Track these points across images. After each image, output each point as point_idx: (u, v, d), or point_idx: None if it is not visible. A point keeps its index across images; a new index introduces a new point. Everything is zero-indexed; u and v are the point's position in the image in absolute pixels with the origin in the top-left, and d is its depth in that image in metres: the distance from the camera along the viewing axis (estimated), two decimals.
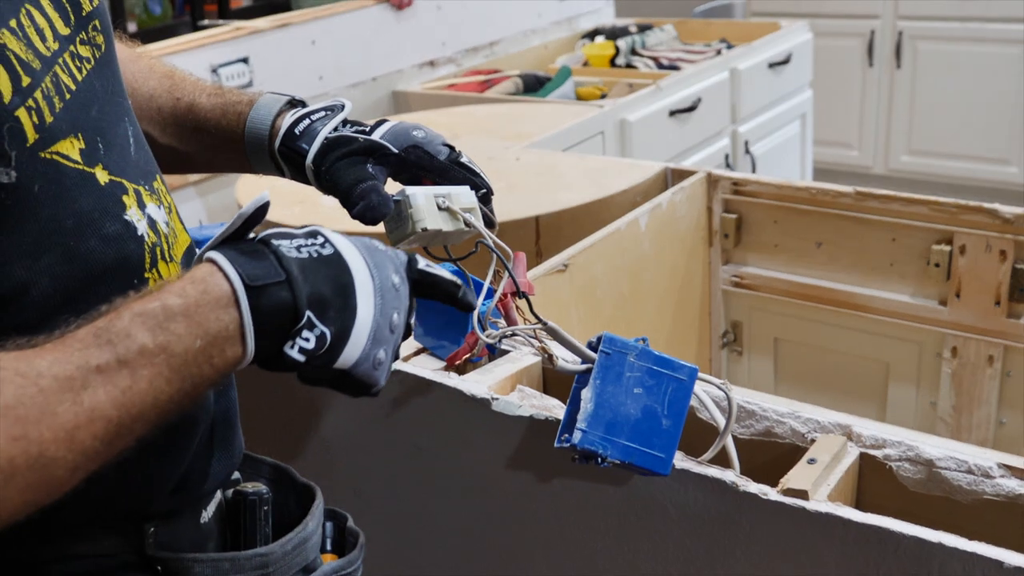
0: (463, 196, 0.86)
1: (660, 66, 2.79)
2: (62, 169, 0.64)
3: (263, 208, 0.65)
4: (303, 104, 0.92)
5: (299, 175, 0.91)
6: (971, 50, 3.68)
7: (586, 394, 0.83)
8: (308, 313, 0.63)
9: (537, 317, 0.84)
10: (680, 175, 1.71)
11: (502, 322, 0.89)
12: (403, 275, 0.71)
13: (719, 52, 2.80)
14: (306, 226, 0.69)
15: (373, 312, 0.66)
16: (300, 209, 1.71)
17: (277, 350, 0.63)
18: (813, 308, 1.67)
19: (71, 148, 0.65)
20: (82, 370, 0.55)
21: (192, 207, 2.16)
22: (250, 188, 1.85)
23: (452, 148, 0.91)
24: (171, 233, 0.74)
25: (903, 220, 1.54)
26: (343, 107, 0.91)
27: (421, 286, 0.73)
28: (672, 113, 2.38)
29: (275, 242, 0.65)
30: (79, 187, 0.65)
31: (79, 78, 0.67)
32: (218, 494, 0.81)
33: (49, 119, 0.63)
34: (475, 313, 0.84)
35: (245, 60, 2.20)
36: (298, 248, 0.65)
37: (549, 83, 2.61)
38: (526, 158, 1.85)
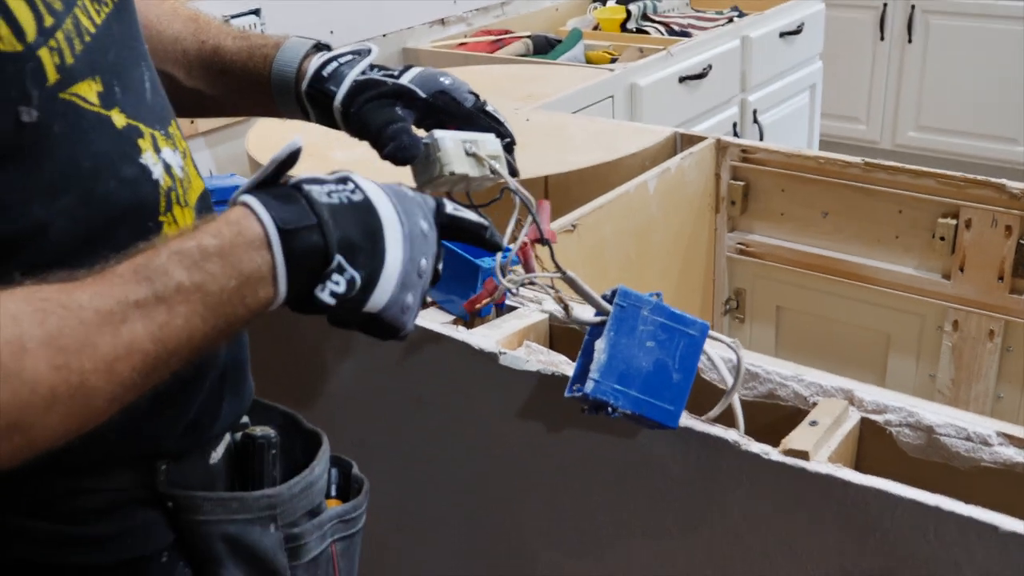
0: (489, 143, 0.87)
1: (671, 32, 2.78)
2: (80, 111, 0.64)
3: (295, 153, 0.66)
4: (328, 48, 0.92)
5: (325, 118, 0.91)
6: (984, 26, 3.66)
7: (600, 345, 0.85)
8: (338, 257, 0.64)
9: (557, 266, 0.86)
10: (689, 140, 1.71)
11: (520, 270, 0.90)
12: (431, 221, 0.72)
13: (731, 20, 2.79)
14: (336, 172, 0.70)
15: (402, 257, 0.68)
16: (310, 163, 1.71)
17: (308, 293, 0.65)
18: (817, 277, 1.68)
19: (89, 90, 0.65)
20: (121, 304, 0.57)
21: (201, 157, 2.16)
22: (260, 139, 1.85)
23: (477, 96, 0.91)
24: (185, 178, 0.74)
25: (910, 192, 1.55)
26: (370, 51, 0.91)
27: (449, 229, 0.75)
28: (682, 79, 2.38)
29: (307, 187, 0.66)
30: (96, 129, 0.66)
31: (98, 21, 0.67)
32: (227, 436, 0.82)
33: (70, 60, 0.63)
34: (496, 259, 0.86)
35: (256, 12, 2.19)
36: (329, 194, 0.66)
37: (560, 45, 2.60)
38: (536, 119, 1.85)
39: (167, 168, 0.71)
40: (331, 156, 1.74)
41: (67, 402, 0.54)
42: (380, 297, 0.67)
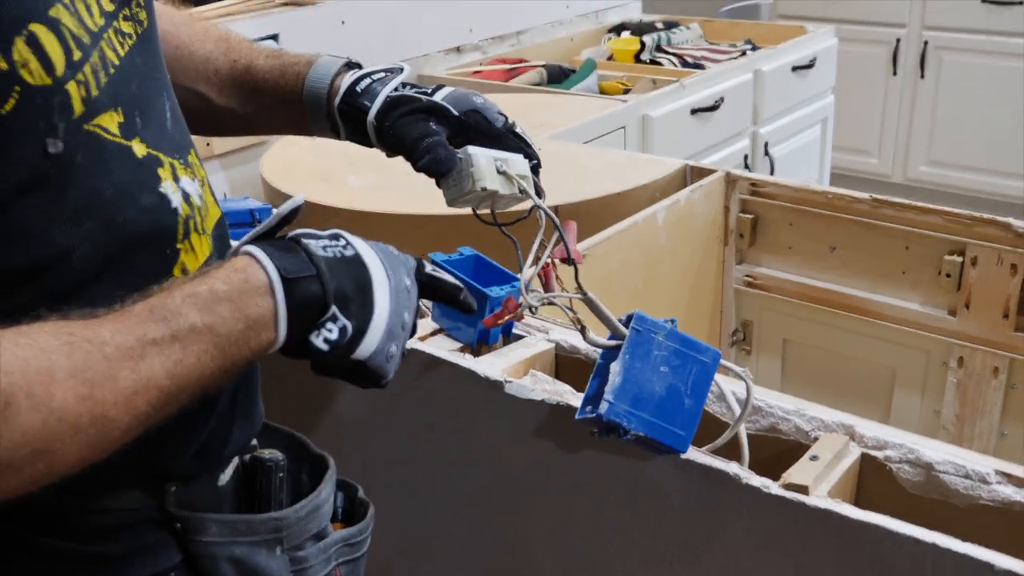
0: (518, 163, 0.89)
1: (684, 64, 2.80)
2: (102, 141, 0.66)
3: (297, 210, 0.72)
4: (360, 66, 0.94)
5: (355, 134, 0.93)
6: (996, 64, 3.68)
7: (615, 367, 0.86)
8: (333, 307, 0.69)
9: (580, 287, 0.87)
10: (699, 173, 1.73)
11: (540, 289, 0.92)
12: (413, 278, 0.77)
13: (744, 53, 2.81)
14: (328, 228, 0.74)
15: (389, 309, 0.72)
16: (325, 186, 1.74)
17: (303, 338, 0.69)
18: (823, 311, 1.70)
19: (111, 122, 0.67)
20: (141, 341, 0.60)
21: (216, 180, 2.19)
22: (274, 163, 1.88)
23: (507, 117, 0.94)
24: (204, 206, 0.76)
25: (917, 229, 1.56)
26: (402, 70, 0.93)
27: (427, 288, 0.80)
28: (694, 111, 2.40)
29: (304, 241, 0.71)
30: (117, 159, 0.68)
31: (121, 53, 0.69)
32: (236, 459, 0.83)
33: (95, 93, 0.65)
34: (521, 276, 0.89)
35: (275, 37, 2.23)
36: (324, 248, 0.71)
37: (574, 75, 2.62)
38: (548, 148, 1.87)
39: (186, 197, 0.74)
40: (346, 182, 1.76)
41: (88, 431, 0.57)
42: (368, 346, 0.71)
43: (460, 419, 1.14)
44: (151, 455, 0.72)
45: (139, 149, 0.70)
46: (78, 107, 0.64)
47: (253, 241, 0.70)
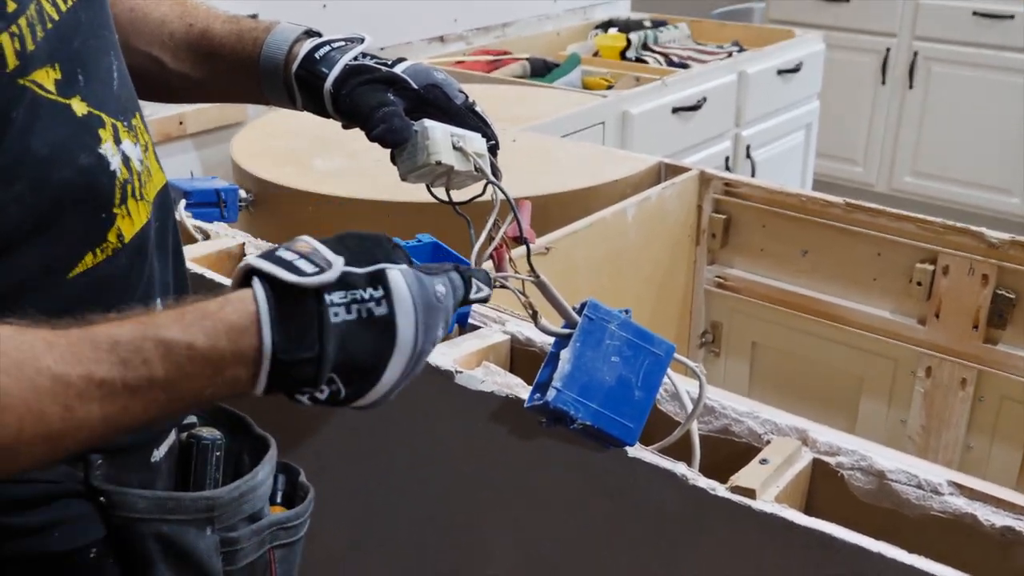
0: (475, 141, 0.87)
1: (670, 63, 2.78)
2: (37, 98, 0.64)
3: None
4: (320, 34, 0.92)
5: (312, 103, 0.90)
6: (985, 77, 3.66)
7: (565, 355, 0.84)
8: (332, 375, 0.63)
9: (532, 269, 0.85)
10: (674, 171, 1.71)
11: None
12: (450, 315, 0.70)
13: (730, 54, 2.79)
14: (374, 265, 0.65)
15: (398, 378, 0.66)
16: (292, 170, 1.71)
17: (286, 393, 0.64)
18: (793, 316, 1.68)
19: (46, 78, 0.65)
20: (84, 380, 0.56)
21: (188, 159, 2.16)
22: (244, 144, 1.85)
23: (467, 95, 0.91)
24: (144, 172, 0.74)
25: (890, 236, 1.54)
26: (363, 40, 0.90)
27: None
28: (675, 110, 2.38)
29: (328, 297, 0.63)
30: (52, 117, 0.65)
31: (63, 8, 0.67)
32: (172, 434, 0.81)
33: (31, 47, 0.63)
34: (472, 255, 0.85)
35: (254, 16, 2.19)
36: (348, 306, 0.63)
37: (557, 69, 2.60)
38: (523, 140, 1.84)
39: (125, 160, 0.71)
40: (313, 165, 1.73)
41: None
42: (360, 404, 0.66)
43: (410, 408, 1.11)
44: None
45: (79, 108, 0.67)
46: (11, 60, 0.61)
47: (269, 277, 0.62)
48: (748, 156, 2.66)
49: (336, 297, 0.63)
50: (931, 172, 3.85)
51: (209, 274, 1.19)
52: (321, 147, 1.78)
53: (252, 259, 0.63)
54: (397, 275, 0.65)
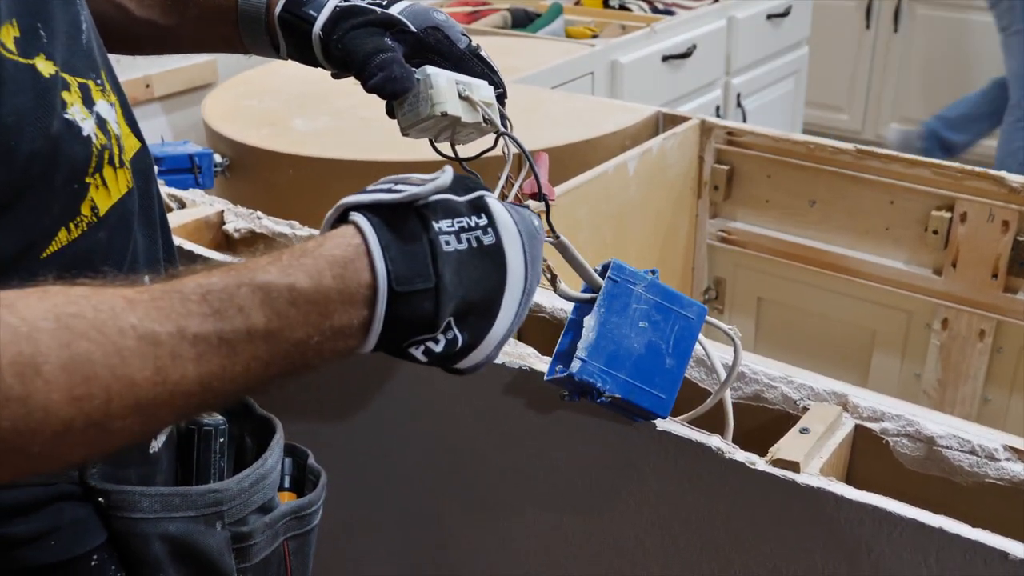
0: (482, 89, 0.78)
1: (655, 10, 2.68)
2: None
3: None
4: None
5: (298, 50, 0.81)
6: (970, 19, 3.59)
7: (589, 322, 0.76)
8: (450, 320, 0.57)
9: (552, 228, 0.76)
10: (673, 120, 1.62)
11: None
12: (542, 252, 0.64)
13: (715, 0, 2.70)
14: (467, 184, 0.60)
15: (511, 323, 0.60)
16: (269, 131, 1.61)
17: (398, 348, 0.57)
18: (801, 269, 1.60)
19: (6, 36, 0.55)
20: (175, 337, 0.48)
21: (157, 124, 2.05)
22: (216, 106, 1.75)
23: (470, 39, 0.82)
24: (121, 135, 0.65)
25: (903, 183, 1.47)
26: None
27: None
28: (665, 58, 2.29)
29: (436, 225, 0.57)
30: (14, 80, 0.56)
31: None
32: None
33: None
34: None
35: None
36: (458, 235, 0.57)
37: (539, 19, 2.50)
38: (512, 94, 1.75)
39: (101, 123, 0.62)
40: (293, 126, 1.64)
41: (82, 435, 0.46)
42: (476, 358, 0.59)
43: (415, 384, 1.04)
44: None
45: (44, 67, 0.58)
46: None
47: (371, 208, 0.56)
48: (739, 105, 2.58)
49: (444, 225, 0.57)
50: (917, 117, 3.78)
51: (188, 246, 1.10)
52: (300, 106, 1.68)
53: (345, 199, 0.57)
54: (496, 203, 0.60)
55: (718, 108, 2.53)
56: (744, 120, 2.60)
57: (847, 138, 3.74)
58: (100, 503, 0.66)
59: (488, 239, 0.58)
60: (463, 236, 0.57)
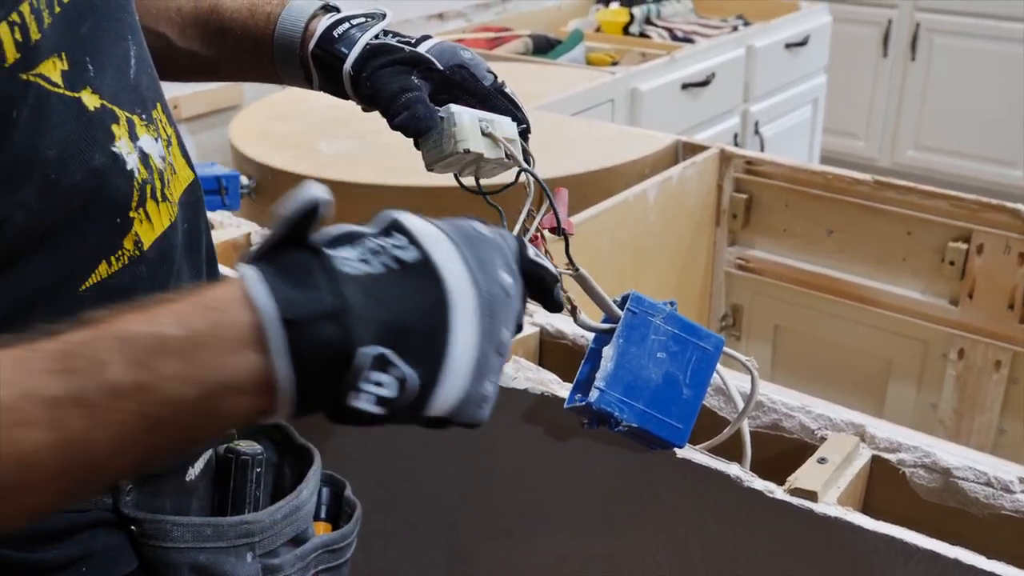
0: (505, 125, 0.80)
1: (674, 38, 2.71)
2: (43, 93, 0.56)
3: (313, 209, 0.48)
4: (338, 9, 0.85)
5: (330, 83, 0.83)
6: (987, 48, 3.60)
7: (607, 352, 0.78)
8: (382, 351, 0.47)
9: (571, 261, 0.78)
10: (692, 149, 1.64)
11: None
12: (515, 268, 0.55)
13: (735, 28, 2.72)
14: (383, 214, 0.53)
15: (477, 337, 0.50)
16: (295, 153, 1.64)
17: (336, 403, 0.48)
18: (818, 297, 1.62)
19: (52, 69, 0.57)
20: (26, 400, 0.43)
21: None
22: (244, 128, 1.78)
23: (496, 76, 0.84)
24: (167, 169, 0.66)
25: (920, 214, 1.48)
26: (384, 16, 0.83)
27: (528, 281, 0.57)
28: (685, 86, 2.31)
29: (330, 252, 0.49)
30: (60, 113, 0.58)
31: None
32: (209, 450, 0.74)
33: (35, 36, 0.55)
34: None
35: None
36: (364, 258, 0.49)
37: (560, 46, 2.53)
38: (533, 120, 1.77)
39: (144, 158, 0.63)
40: (317, 148, 1.66)
41: None
42: (447, 397, 0.50)
43: None
44: None
45: (90, 100, 0.60)
46: (10, 54, 0.53)
47: (256, 259, 0.49)
48: (757, 132, 2.60)
49: (343, 252, 0.49)
50: (934, 145, 3.79)
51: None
52: (326, 129, 1.71)
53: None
54: (414, 219, 0.52)
55: (736, 135, 2.54)
56: (762, 147, 2.61)
57: (864, 165, 3.77)
58: (132, 531, 0.67)
59: (408, 255, 0.50)
60: (374, 259, 0.49)
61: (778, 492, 0.82)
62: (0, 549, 0.62)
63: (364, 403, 0.48)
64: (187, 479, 0.71)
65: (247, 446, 0.74)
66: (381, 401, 0.48)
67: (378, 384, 0.48)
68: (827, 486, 0.82)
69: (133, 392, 0.44)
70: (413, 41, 0.82)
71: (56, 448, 0.43)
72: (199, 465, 0.72)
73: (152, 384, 0.44)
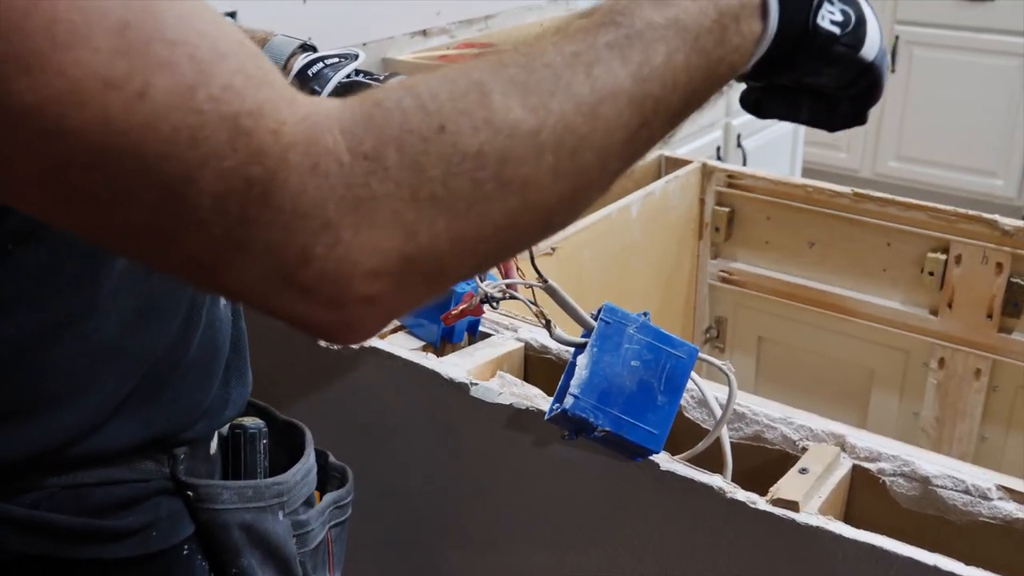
0: None
1: None
2: None
3: None
4: (315, 49, 0.90)
5: None
6: (967, 60, 3.65)
7: (582, 360, 0.81)
8: None
9: (539, 273, 0.81)
10: (674, 163, 1.66)
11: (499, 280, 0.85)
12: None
13: None
14: None
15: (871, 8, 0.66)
16: None
17: (803, 24, 0.60)
18: (800, 309, 1.64)
19: None
20: (589, 46, 0.51)
21: None
22: None
23: None
24: None
25: (899, 225, 1.51)
26: (357, 56, 0.88)
27: None
28: None
29: None
30: None
31: None
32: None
33: None
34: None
35: (233, 15, 2.13)
36: None
37: None
38: None
39: None
40: None
41: (554, 151, 0.48)
42: (873, 37, 0.64)
43: (423, 423, 1.06)
44: (165, 418, 0.69)
45: None
46: None
47: None
48: (739, 145, 2.62)
49: None
50: (915, 156, 3.83)
51: None
52: None
53: None
54: None
55: (719, 148, 2.56)
56: (744, 160, 2.63)
57: (846, 176, 3.80)
58: (189, 496, 0.71)
59: None
60: None
61: (760, 502, 0.83)
62: (83, 518, 0.66)
63: (826, 23, 0.61)
64: (211, 452, 0.75)
65: (251, 421, 0.78)
66: (834, 23, 0.61)
67: (831, 12, 0.61)
68: (808, 496, 0.83)
69: (667, 23, 0.53)
70: (382, 79, 0.86)
71: (629, 73, 0.51)
72: (214, 441, 0.76)
73: (678, 15, 0.54)
